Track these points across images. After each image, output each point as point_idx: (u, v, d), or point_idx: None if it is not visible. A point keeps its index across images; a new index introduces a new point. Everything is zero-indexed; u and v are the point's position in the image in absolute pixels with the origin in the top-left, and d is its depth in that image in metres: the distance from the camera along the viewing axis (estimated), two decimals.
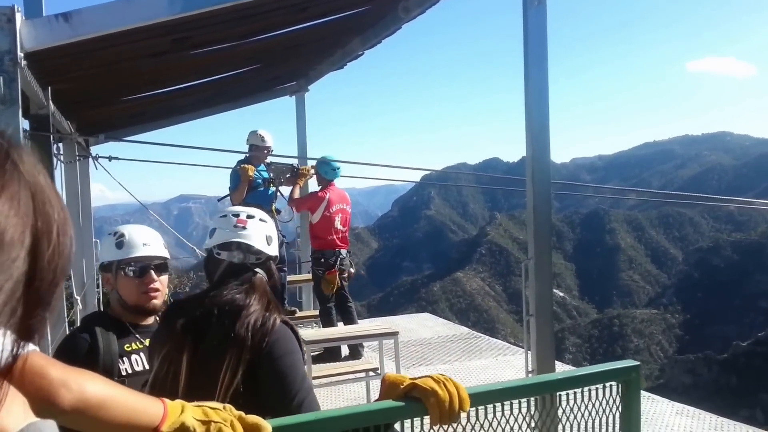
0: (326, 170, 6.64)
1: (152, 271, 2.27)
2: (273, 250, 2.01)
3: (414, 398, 1.42)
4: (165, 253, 2.33)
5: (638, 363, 1.70)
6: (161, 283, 2.30)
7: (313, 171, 6.88)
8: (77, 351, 2.11)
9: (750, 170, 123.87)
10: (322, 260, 6.53)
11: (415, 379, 1.44)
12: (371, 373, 5.41)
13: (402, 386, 1.44)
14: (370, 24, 6.25)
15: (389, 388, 1.46)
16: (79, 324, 2.30)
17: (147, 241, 2.29)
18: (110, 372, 2.12)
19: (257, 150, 6.77)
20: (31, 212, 0.52)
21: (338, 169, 6.72)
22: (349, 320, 6.64)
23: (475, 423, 1.52)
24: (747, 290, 76.96)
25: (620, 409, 1.69)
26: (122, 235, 2.27)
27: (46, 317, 0.58)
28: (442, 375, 1.44)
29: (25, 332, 0.56)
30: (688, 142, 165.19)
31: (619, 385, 1.69)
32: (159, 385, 1.78)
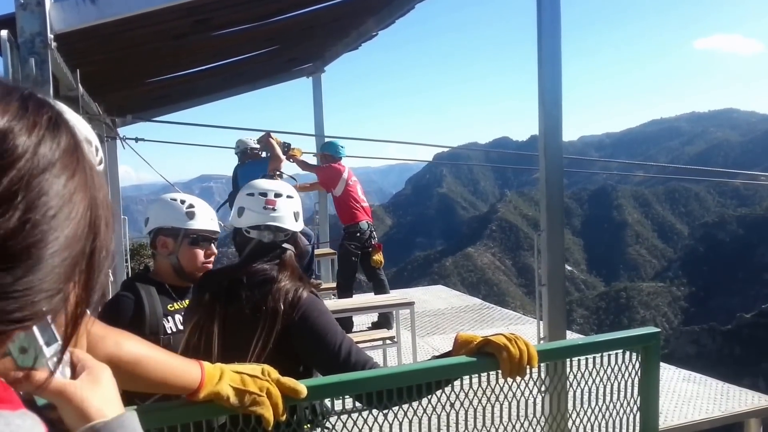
0: (335, 149, 6.95)
1: (213, 244, 2.41)
2: (300, 224, 2.05)
3: (486, 354, 1.52)
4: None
5: (659, 330, 1.75)
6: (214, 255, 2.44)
7: (301, 152, 7.17)
8: (125, 311, 2.20)
9: (756, 146, 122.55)
10: (358, 234, 6.68)
11: (488, 336, 1.53)
12: (388, 341, 5.57)
13: (475, 343, 1.54)
14: (385, 3, 6.27)
15: (461, 344, 1.56)
16: (122, 286, 2.40)
17: (212, 216, 2.43)
18: (156, 330, 2.23)
19: (251, 151, 6.94)
20: (89, 194, 0.58)
21: (343, 147, 7.07)
22: (382, 292, 6.77)
23: (495, 386, 1.59)
24: (751, 264, 76.49)
25: (639, 374, 1.75)
26: (192, 206, 2.36)
27: (104, 287, 0.63)
28: (512, 333, 1.53)
29: (85, 302, 0.61)
30: (695, 119, 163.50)
31: (638, 353, 1.75)
32: (191, 352, 1.81)
